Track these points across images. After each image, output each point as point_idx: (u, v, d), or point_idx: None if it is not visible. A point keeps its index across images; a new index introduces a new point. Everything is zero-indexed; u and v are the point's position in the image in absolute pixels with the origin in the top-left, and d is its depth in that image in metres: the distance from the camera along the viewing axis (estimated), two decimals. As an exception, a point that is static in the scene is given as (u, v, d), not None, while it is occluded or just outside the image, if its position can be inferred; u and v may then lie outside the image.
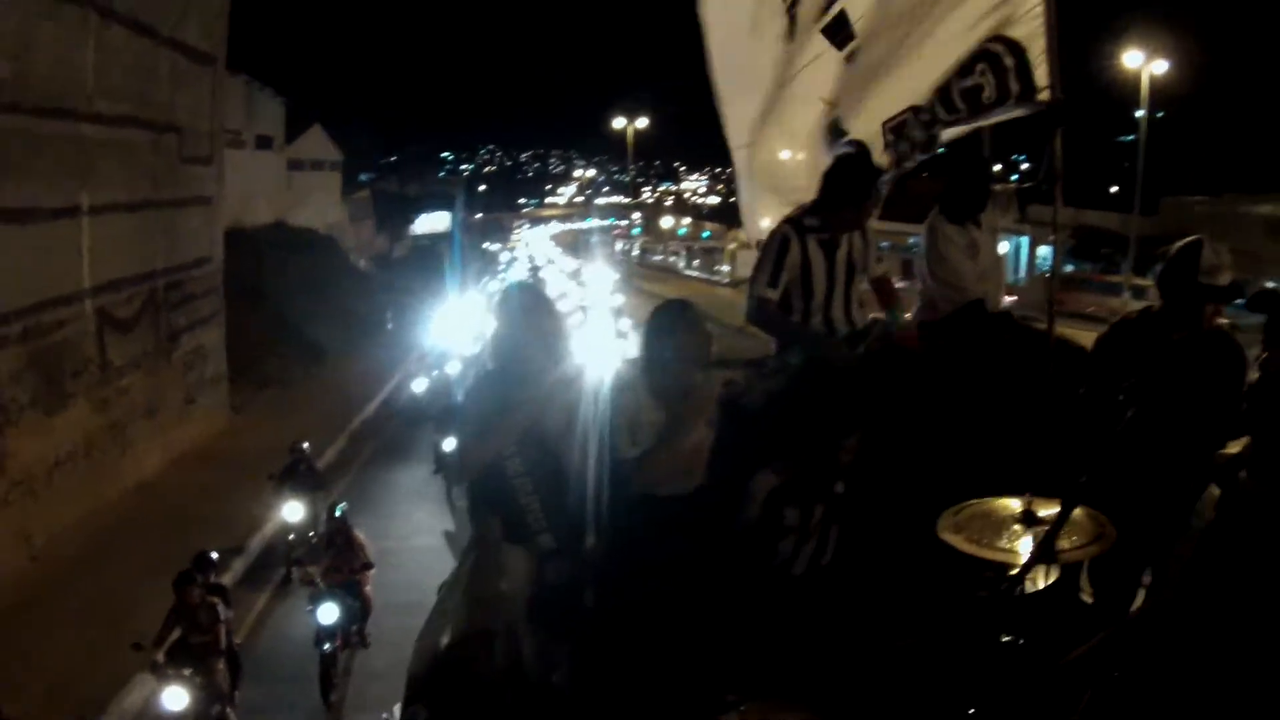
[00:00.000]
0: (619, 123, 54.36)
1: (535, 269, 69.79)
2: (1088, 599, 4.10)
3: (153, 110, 17.22)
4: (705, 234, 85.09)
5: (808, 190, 5.04)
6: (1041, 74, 4.53)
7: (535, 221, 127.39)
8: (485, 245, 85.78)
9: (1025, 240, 34.61)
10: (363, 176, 62.86)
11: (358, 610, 10.74)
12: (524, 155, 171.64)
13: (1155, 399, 3.87)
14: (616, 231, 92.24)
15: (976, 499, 3.26)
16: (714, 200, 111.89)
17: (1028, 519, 3.07)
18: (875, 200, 4.86)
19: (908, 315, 5.26)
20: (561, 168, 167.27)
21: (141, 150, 16.86)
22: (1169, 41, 33.19)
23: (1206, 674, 2.58)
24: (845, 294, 4.82)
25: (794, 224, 4.77)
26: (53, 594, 11.76)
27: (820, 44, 5.27)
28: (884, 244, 5.49)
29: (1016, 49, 4.58)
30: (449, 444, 16.37)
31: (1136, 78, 32.06)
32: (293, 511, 13.37)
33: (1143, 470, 3.71)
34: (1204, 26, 40.87)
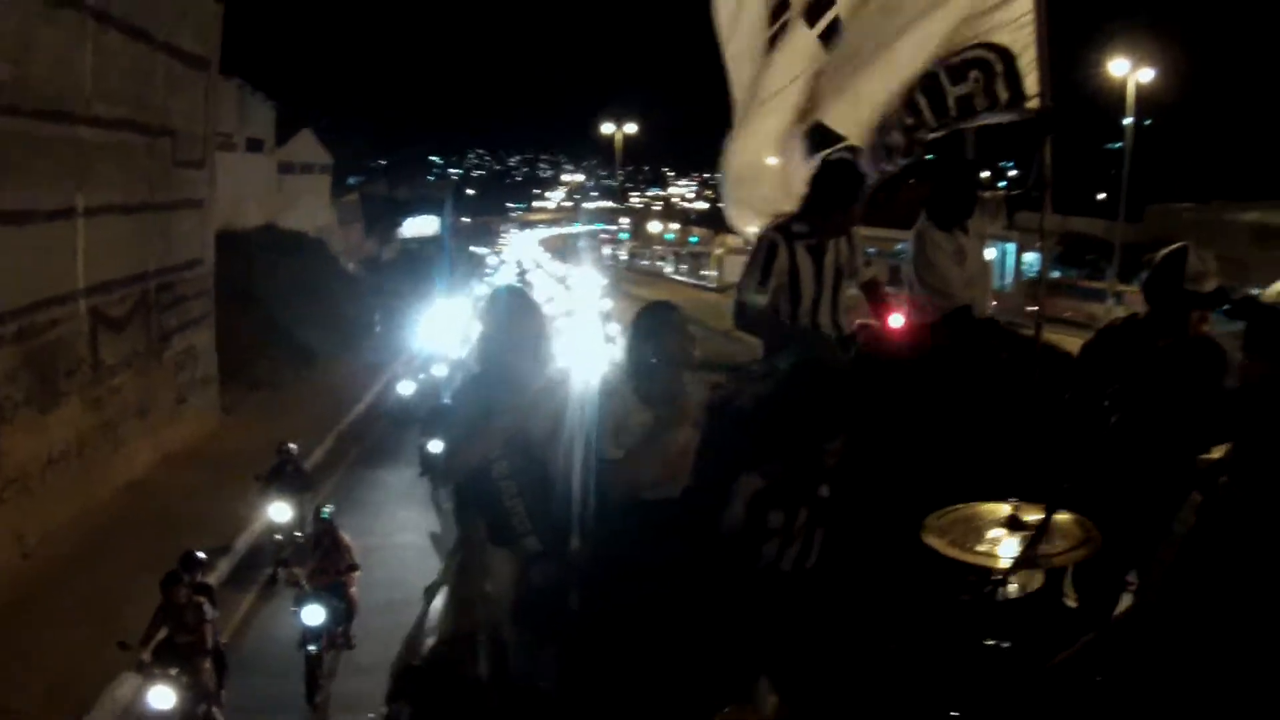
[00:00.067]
0: (608, 128, 54.73)
1: (523, 273, 69.74)
2: (1071, 604, 4.09)
3: (148, 114, 17.38)
4: (693, 239, 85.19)
5: (775, 199, 5.16)
6: (1031, 82, 4.57)
7: (523, 225, 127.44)
8: (473, 249, 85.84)
9: (1012, 247, 34.92)
10: (351, 180, 62.82)
11: (343, 612, 10.73)
12: (513, 159, 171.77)
13: (1139, 405, 3.95)
14: (604, 236, 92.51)
15: (962, 504, 3.28)
16: (702, 205, 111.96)
17: (1013, 524, 3.09)
18: (862, 205, 4.89)
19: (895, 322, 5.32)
20: (550, 172, 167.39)
21: (136, 153, 17.00)
22: (1155, 49, 33.33)
23: (1188, 677, 2.59)
24: (832, 299, 4.86)
25: (781, 230, 4.81)
26: (47, 591, 11.85)
27: (798, 66, 5.26)
28: (871, 250, 5.48)
29: (1006, 56, 4.61)
30: (435, 446, 16.35)
31: (1124, 86, 32.21)
32: (279, 512, 13.36)
33: (1127, 475, 3.75)
34: (1190, 35, 41.27)
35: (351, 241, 53.91)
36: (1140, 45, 32.82)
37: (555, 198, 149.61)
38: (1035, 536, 2.92)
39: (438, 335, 28.07)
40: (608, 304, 41.35)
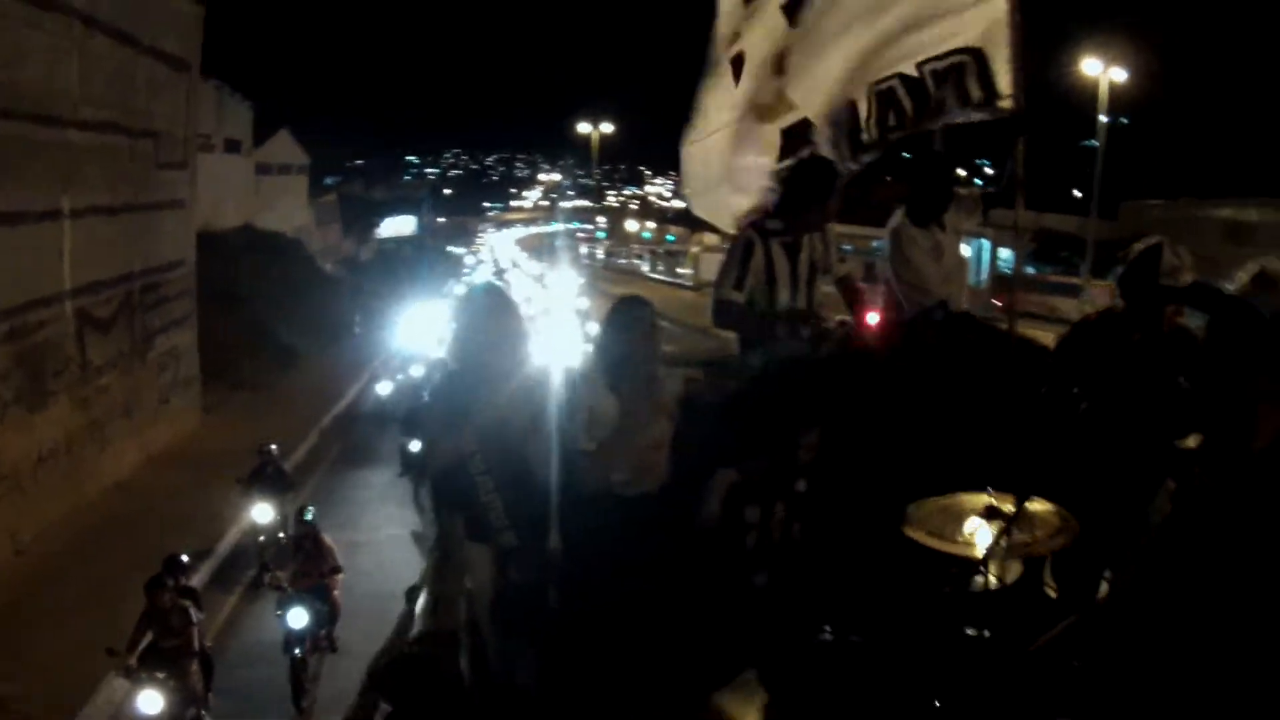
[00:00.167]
0: (584, 127, 54.86)
1: (500, 272, 69.78)
2: (1052, 593, 4.06)
3: (132, 116, 17.55)
4: (670, 238, 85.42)
5: (735, 202, 5.32)
6: (1005, 81, 4.56)
7: (500, 225, 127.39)
8: (450, 249, 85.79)
9: (987, 243, 35.37)
10: (328, 180, 62.81)
11: (326, 615, 10.63)
12: (489, 159, 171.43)
13: (1114, 397, 4.00)
14: (581, 235, 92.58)
15: (939, 495, 3.30)
16: (679, 204, 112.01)
17: (989, 514, 3.10)
18: (836, 202, 4.93)
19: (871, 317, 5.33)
20: (527, 172, 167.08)
21: (120, 155, 17.17)
22: (1128, 50, 33.69)
23: (1165, 661, 2.62)
24: (808, 295, 4.90)
25: (757, 228, 4.86)
26: (40, 587, 12.02)
27: (765, 48, 5.22)
28: (847, 247, 5.59)
29: (979, 56, 4.60)
30: (415, 446, 16.46)
31: (1098, 85, 32.51)
32: (262, 513, 13.35)
33: (1104, 466, 3.78)
34: (1163, 35, 41.77)
35: (329, 242, 53.92)
36: (1113, 46, 33.20)
37: (532, 197, 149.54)
38: (1007, 525, 2.96)
39: (416, 336, 28.21)
40: (585, 302, 41.53)
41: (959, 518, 3.15)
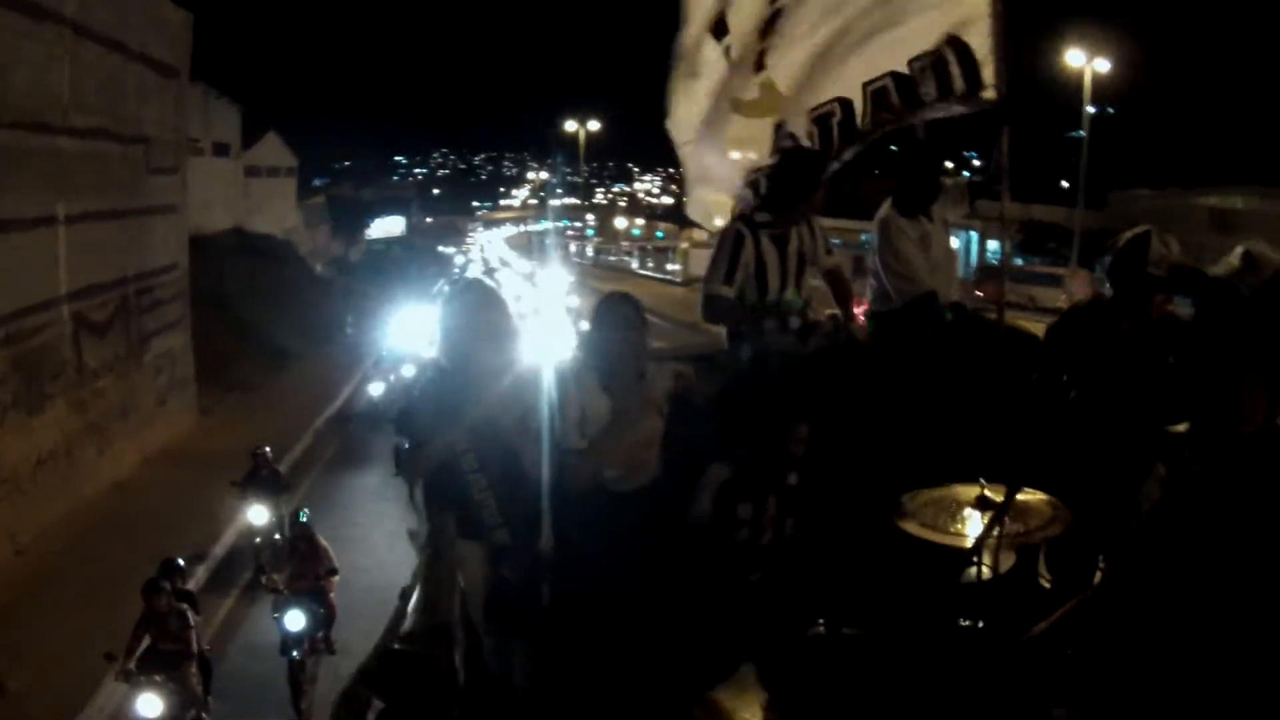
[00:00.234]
0: (571, 125, 54.98)
1: (490, 271, 69.82)
2: (1046, 584, 4.05)
3: (123, 123, 17.79)
4: (659, 234, 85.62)
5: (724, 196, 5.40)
6: (988, 72, 4.53)
7: (489, 224, 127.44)
8: (440, 248, 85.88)
9: (975, 235, 35.60)
10: (317, 181, 62.97)
11: (323, 617, 10.46)
12: (477, 158, 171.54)
13: (1103, 385, 4.01)
14: (570, 233, 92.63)
15: (932, 487, 3.32)
16: (667, 201, 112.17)
17: (982, 505, 3.10)
18: (822, 192, 4.89)
19: (861, 310, 5.32)
20: (515, 170, 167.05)
21: (112, 162, 17.40)
22: (1113, 40, 33.87)
23: (1158, 646, 2.63)
24: (797, 287, 4.88)
25: (745, 221, 4.84)
26: (40, 586, 12.19)
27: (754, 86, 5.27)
28: (835, 241, 5.48)
29: (962, 47, 4.59)
30: (409, 445, 16.55)
31: (1083, 76, 32.58)
32: (257, 515, 13.36)
33: (1094, 454, 3.78)
34: (1146, 26, 42.09)
35: (319, 243, 54.13)
36: (1096, 36, 33.36)
37: (521, 195, 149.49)
38: (997, 516, 2.96)
39: (407, 336, 28.30)
40: (575, 300, 41.66)
41: (952, 509, 3.17)
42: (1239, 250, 4.14)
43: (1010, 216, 5.19)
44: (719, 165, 5.62)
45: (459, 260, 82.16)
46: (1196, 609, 2.58)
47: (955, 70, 4.61)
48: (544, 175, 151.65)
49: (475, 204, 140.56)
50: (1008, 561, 3.19)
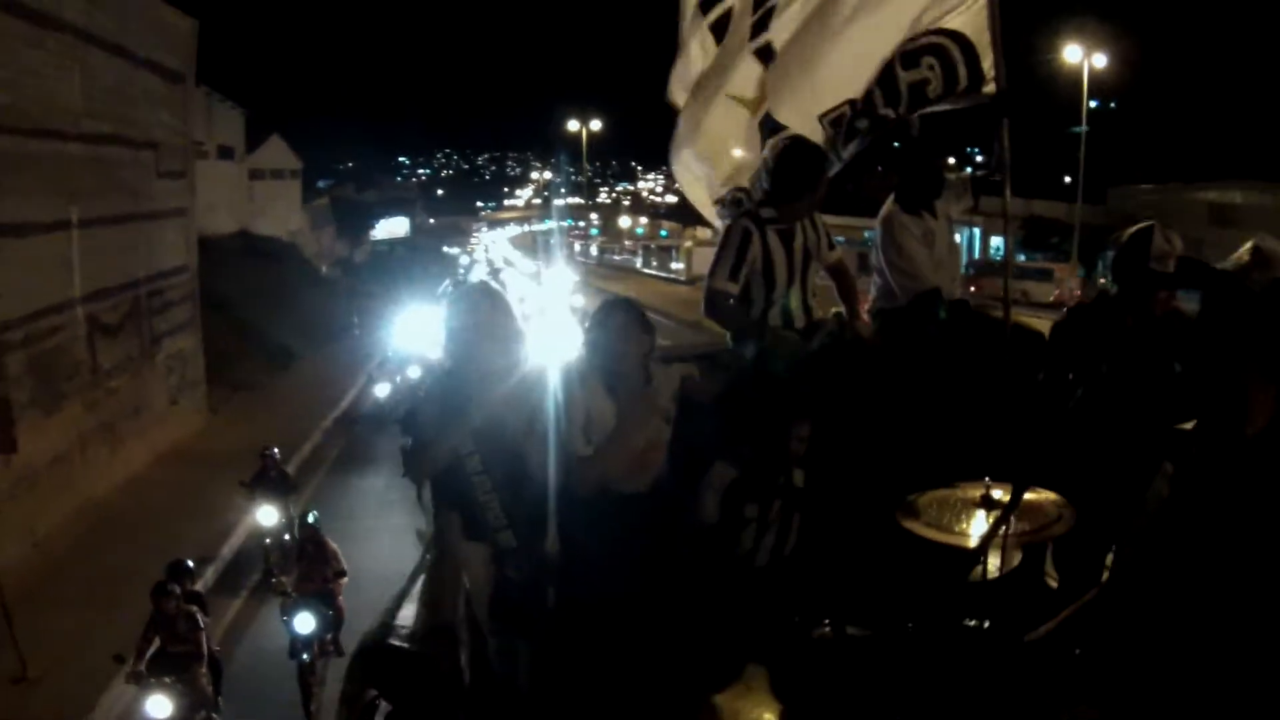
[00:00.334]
0: (574, 124, 55.24)
1: (495, 271, 69.80)
2: (1053, 583, 4.02)
3: (132, 128, 18.10)
4: (663, 233, 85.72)
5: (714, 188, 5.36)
6: (988, 65, 4.49)
7: (493, 224, 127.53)
8: (444, 249, 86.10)
9: (978, 231, 35.84)
10: (320, 183, 63.28)
11: (331, 619, 10.35)
12: (481, 158, 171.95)
13: (1109, 382, 3.98)
14: (575, 232, 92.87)
15: (937, 486, 3.28)
16: (671, 199, 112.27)
17: (987, 504, 3.08)
18: (825, 187, 4.86)
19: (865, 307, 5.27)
20: (518, 170, 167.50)
21: (123, 166, 17.72)
22: (1111, 36, 34.23)
23: (1166, 646, 2.60)
24: (802, 283, 4.86)
25: (752, 217, 4.80)
26: (56, 578, 12.50)
27: (748, 66, 5.20)
28: (839, 238, 5.46)
29: (963, 41, 4.54)
30: None
31: (1083, 71, 32.88)
32: (266, 516, 13.42)
33: (1100, 452, 3.75)
34: (1143, 21, 42.21)
35: (324, 245, 54.47)
36: (1094, 31, 33.70)
37: (525, 195, 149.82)
38: (1003, 515, 2.95)
39: (412, 337, 28.44)
40: (580, 300, 41.80)
41: (957, 509, 3.15)
42: (1249, 245, 4.05)
43: (1012, 212, 5.16)
44: (716, 157, 5.53)
45: (463, 260, 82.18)
46: (1204, 608, 2.55)
47: (959, 65, 4.55)
48: (547, 175, 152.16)
49: (479, 204, 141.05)
50: (1014, 561, 3.12)
